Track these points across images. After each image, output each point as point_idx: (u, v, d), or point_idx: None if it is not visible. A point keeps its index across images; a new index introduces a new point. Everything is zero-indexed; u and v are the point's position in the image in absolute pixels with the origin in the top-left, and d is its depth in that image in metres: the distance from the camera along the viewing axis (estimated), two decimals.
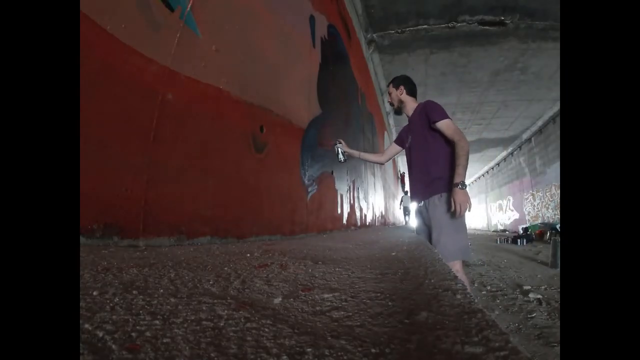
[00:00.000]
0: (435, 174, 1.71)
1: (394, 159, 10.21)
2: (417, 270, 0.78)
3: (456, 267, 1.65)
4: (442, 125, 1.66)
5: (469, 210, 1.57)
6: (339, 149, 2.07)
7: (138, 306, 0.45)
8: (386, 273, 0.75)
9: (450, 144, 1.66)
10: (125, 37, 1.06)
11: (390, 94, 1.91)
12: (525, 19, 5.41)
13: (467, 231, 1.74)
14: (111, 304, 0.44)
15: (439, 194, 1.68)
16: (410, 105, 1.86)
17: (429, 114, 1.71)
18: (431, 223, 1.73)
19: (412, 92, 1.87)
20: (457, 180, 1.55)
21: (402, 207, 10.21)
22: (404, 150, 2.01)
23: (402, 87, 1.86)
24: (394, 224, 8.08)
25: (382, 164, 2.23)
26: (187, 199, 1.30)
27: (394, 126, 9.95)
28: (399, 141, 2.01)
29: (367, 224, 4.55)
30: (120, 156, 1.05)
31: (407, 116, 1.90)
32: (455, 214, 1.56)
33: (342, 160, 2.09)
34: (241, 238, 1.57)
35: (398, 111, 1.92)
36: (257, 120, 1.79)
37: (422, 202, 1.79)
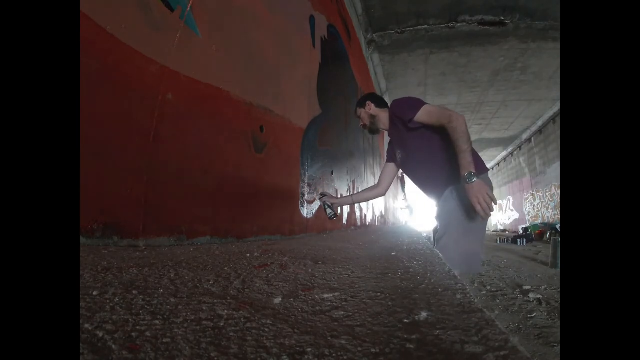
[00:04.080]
0: (442, 174, 1.43)
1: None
2: (417, 270, 0.78)
3: None
4: (422, 117, 1.36)
5: (494, 203, 1.19)
6: (326, 206, 1.79)
7: (138, 306, 0.45)
8: (386, 273, 0.75)
9: (441, 131, 1.34)
10: (125, 37, 1.06)
11: (359, 116, 1.68)
12: (525, 19, 5.41)
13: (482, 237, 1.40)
14: (111, 304, 0.44)
15: (450, 188, 1.41)
16: (383, 116, 1.61)
17: (401, 116, 1.43)
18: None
19: (381, 104, 1.65)
20: (463, 172, 1.21)
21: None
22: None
23: (368, 103, 1.63)
24: (394, 224, 8.08)
25: (383, 195, 1.87)
26: (187, 199, 1.30)
27: None
28: (391, 158, 1.73)
29: (367, 224, 4.55)
30: (120, 156, 1.05)
31: (386, 130, 1.65)
32: (476, 213, 1.22)
33: (332, 217, 1.80)
34: (241, 238, 1.57)
35: (373, 130, 1.66)
36: (257, 120, 1.79)
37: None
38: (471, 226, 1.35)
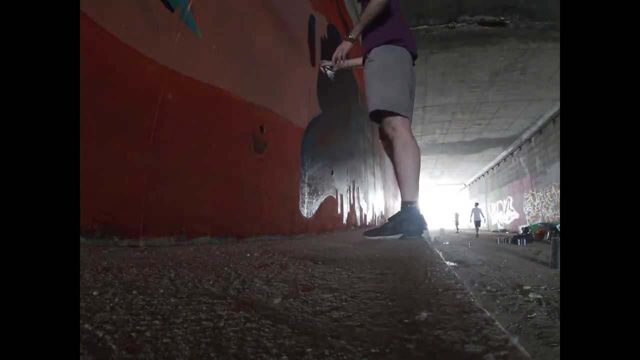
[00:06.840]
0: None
1: None
2: (417, 270, 0.78)
3: (394, 122, 1.60)
4: None
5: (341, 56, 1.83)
6: (326, 69, 2.06)
7: (138, 306, 0.45)
8: (386, 273, 0.75)
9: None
10: (125, 37, 1.06)
11: None
12: (525, 19, 5.42)
13: (403, 84, 1.64)
14: (111, 304, 0.44)
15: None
16: None
17: None
18: None
19: None
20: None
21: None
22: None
23: None
24: None
25: None
26: (187, 199, 1.30)
27: None
28: None
29: (368, 223, 4.55)
30: (120, 156, 1.05)
31: None
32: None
33: (332, 77, 2.08)
34: (241, 238, 1.57)
35: None
36: (257, 120, 1.79)
37: None
38: (381, 75, 1.68)
